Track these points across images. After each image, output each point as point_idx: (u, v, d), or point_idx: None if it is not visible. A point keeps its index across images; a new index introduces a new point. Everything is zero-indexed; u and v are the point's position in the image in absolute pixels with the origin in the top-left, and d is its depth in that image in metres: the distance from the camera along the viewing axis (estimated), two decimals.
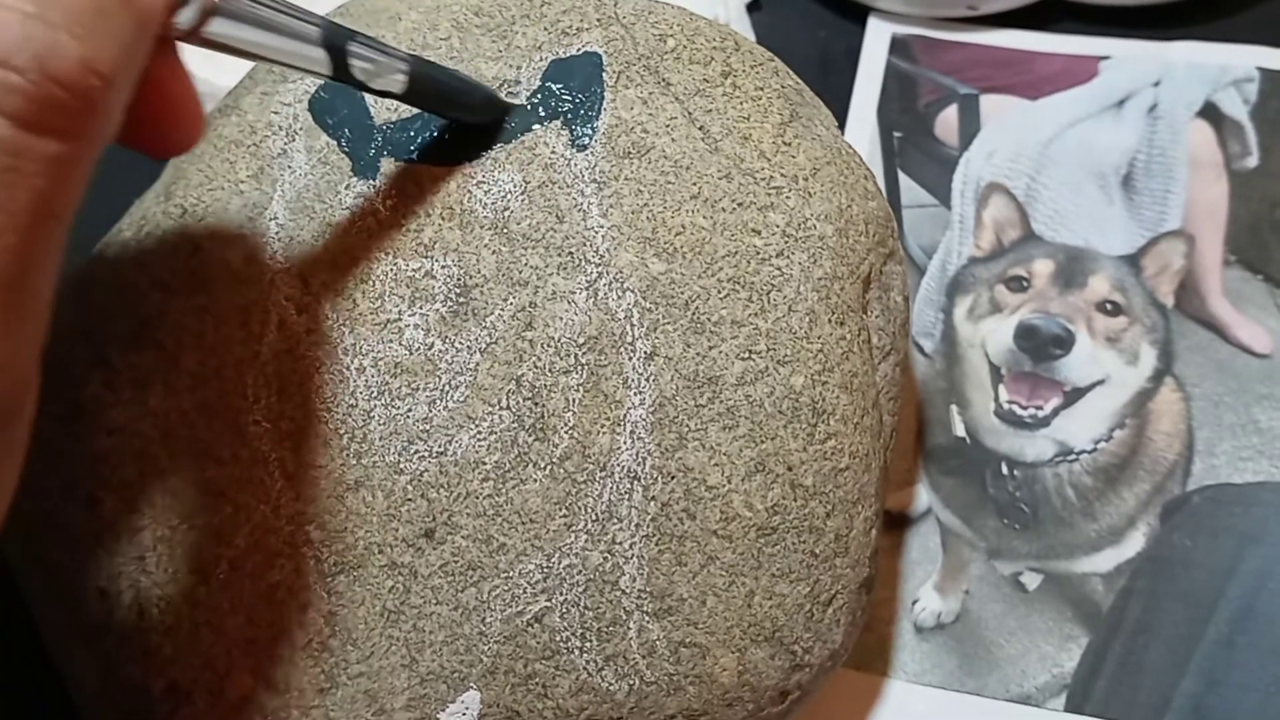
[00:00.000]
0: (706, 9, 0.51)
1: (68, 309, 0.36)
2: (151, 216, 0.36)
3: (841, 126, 0.48)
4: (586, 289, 0.34)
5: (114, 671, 0.33)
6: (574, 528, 0.33)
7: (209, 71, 0.49)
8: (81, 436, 0.34)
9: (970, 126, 0.51)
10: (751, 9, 0.53)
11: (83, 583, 0.34)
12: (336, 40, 0.30)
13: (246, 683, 0.33)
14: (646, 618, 0.32)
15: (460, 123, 0.35)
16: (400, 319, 0.34)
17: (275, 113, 0.37)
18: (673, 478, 0.33)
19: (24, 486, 0.34)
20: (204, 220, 0.35)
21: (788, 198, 0.35)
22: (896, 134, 0.51)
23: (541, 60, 0.36)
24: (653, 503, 0.33)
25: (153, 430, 0.34)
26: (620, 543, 0.32)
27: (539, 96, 0.36)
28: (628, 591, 0.32)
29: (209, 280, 0.35)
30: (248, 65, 0.40)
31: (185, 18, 0.26)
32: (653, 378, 0.33)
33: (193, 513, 0.33)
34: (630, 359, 0.33)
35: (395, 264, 0.34)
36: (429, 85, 0.33)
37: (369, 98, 0.36)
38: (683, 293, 0.34)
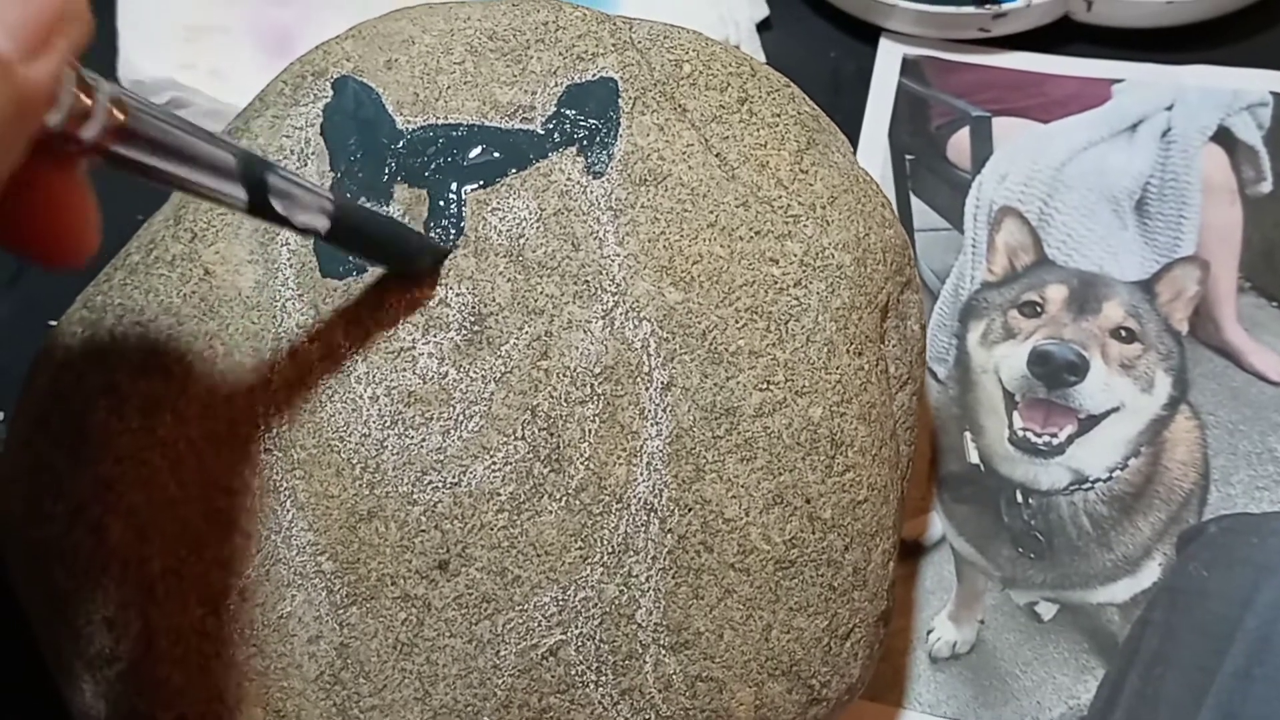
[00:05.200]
0: (717, 30, 0.51)
1: (76, 334, 0.35)
2: (160, 240, 0.36)
3: (853, 149, 0.48)
4: (603, 318, 0.33)
5: (122, 703, 0.33)
6: (590, 560, 0.32)
7: (216, 90, 0.49)
8: (89, 463, 0.34)
9: (983, 149, 0.50)
10: (762, 29, 0.53)
11: (90, 612, 0.33)
12: (255, 173, 0.28)
13: (257, 716, 0.32)
14: (663, 651, 0.32)
15: (392, 266, 0.34)
16: (414, 347, 0.33)
17: (287, 136, 0.36)
18: (690, 510, 0.32)
19: (30, 512, 0.34)
20: (214, 245, 0.35)
21: (805, 226, 0.35)
22: (908, 156, 0.51)
23: (557, 86, 0.36)
24: (669, 535, 0.32)
25: (161, 458, 0.33)
26: (636, 575, 0.32)
27: (554, 123, 0.36)
28: (644, 625, 0.32)
29: (219, 306, 0.34)
30: (256, 86, 0.39)
31: (89, 133, 0.24)
32: (670, 408, 0.33)
33: (202, 542, 0.33)
34: (647, 389, 0.33)
35: (409, 291, 0.34)
36: (355, 228, 0.31)
37: (384, 122, 0.36)
38: (700, 322, 0.33)
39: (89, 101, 0.24)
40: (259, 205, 0.28)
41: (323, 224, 0.30)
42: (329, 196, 0.31)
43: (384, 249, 0.33)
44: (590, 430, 0.33)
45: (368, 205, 0.34)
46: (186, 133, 0.26)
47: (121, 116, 0.25)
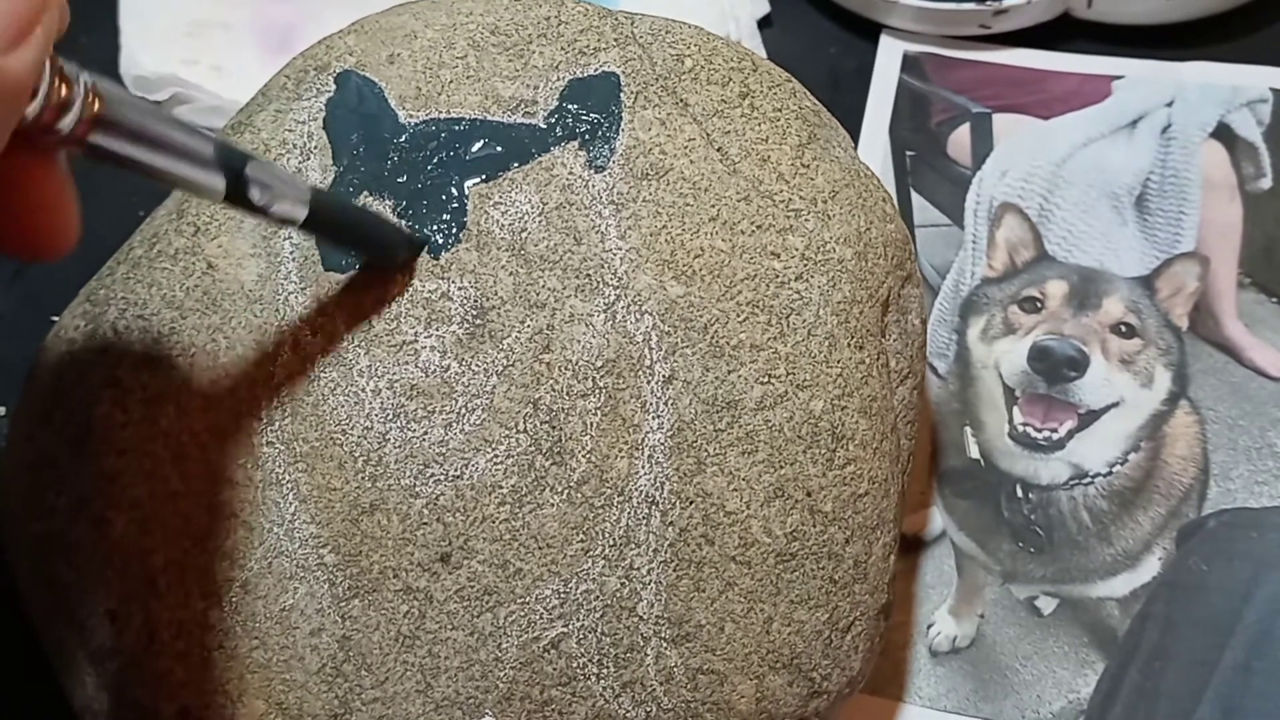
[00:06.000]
0: (718, 26, 0.51)
1: (78, 328, 0.35)
2: (163, 234, 0.36)
3: (854, 145, 0.48)
4: (604, 311, 0.33)
5: (124, 695, 0.33)
6: (591, 553, 0.32)
7: (218, 86, 0.49)
8: (92, 456, 0.34)
9: (983, 146, 0.50)
10: (762, 25, 0.53)
11: (92, 605, 0.33)
12: (234, 163, 0.28)
13: (259, 708, 0.32)
14: (664, 644, 0.32)
15: (367, 255, 0.34)
16: (416, 340, 0.34)
17: (289, 130, 0.36)
18: (691, 503, 0.32)
19: (33, 506, 0.34)
20: (217, 239, 0.35)
21: (806, 220, 0.35)
22: (909, 153, 0.51)
23: (559, 80, 0.36)
24: (671, 528, 0.32)
25: (164, 451, 0.33)
26: (638, 568, 0.32)
27: (556, 117, 0.36)
28: (645, 618, 0.32)
29: (222, 299, 0.34)
30: (258, 82, 0.39)
31: (68, 124, 0.24)
32: (671, 402, 0.33)
33: (204, 535, 0.33)
34: (649, 383, 0.33)
35: (411, 285, 0.34)
36: (331, 218, 0.32)
37: (386, 116, 0.36)
38: (701, 316, 0.33)
39: (67, 92, 0.24)
40: (236, 195, 0.29)
41: (300, 213, 0.30)
42: (305, 186, 0.31)
43: (360, 239, 0.33)
44: (592, 423, 0.33)
45: (353, 200, 0.34)
46: (164, 123, 0.26)
47: (98, 106, 0.25)
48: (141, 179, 0.27)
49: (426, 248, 0.34)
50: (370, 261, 0.34)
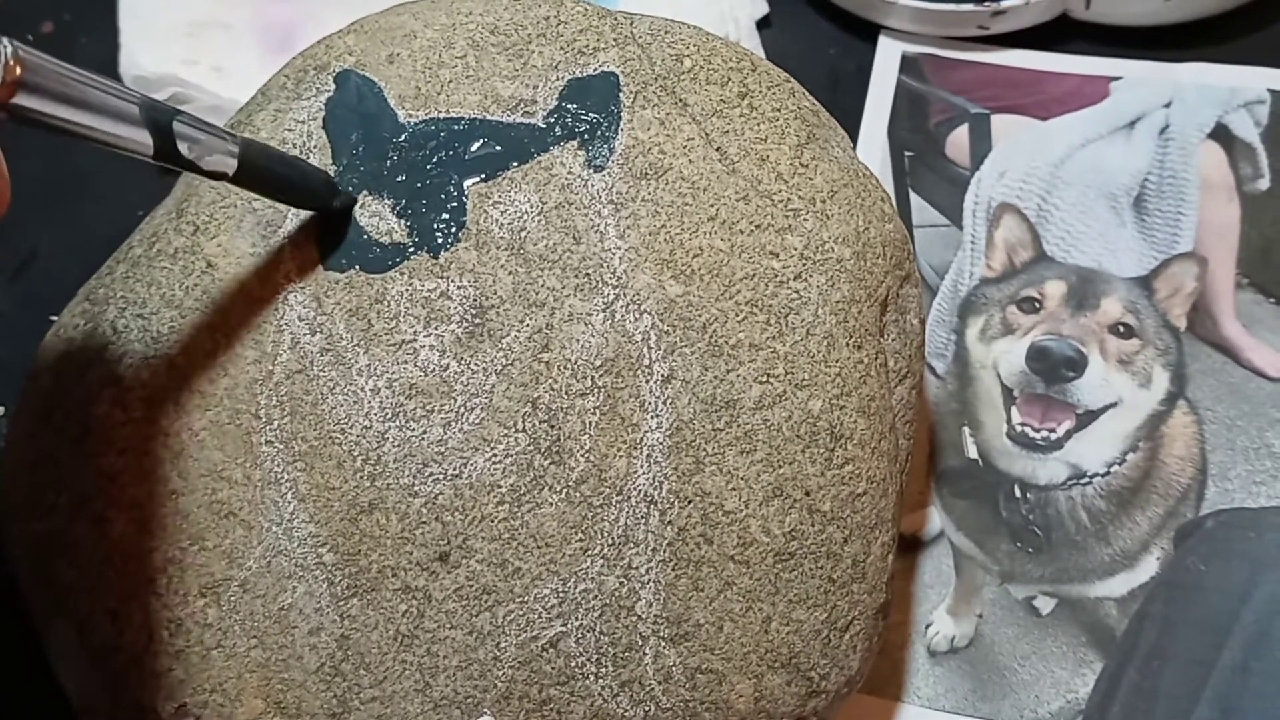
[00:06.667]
0: (717, 27, 0.51)
1: (78, 327, 0.35)
2: (163, 233, 0.36)
3: (852, 145, 0.48)
4: (603, 311, 0.33)
5: (123, 694, 0.33)
6: (590, 552, 0.32)
7: (218, 86, 0.49)
8: (92, 455, 0.34)
9: (981, 146, 0.51)
10: (761, 26, 0.53)
11: (92, 603, 0.33)
12: (160, 119, 0.29)
13: (257, 707, 0.32)
14: (662, 643, 0.32)
15: (299, 205, 0.35)
16: (415, 340, 0.34)
17: (289, 130, 0.36)
18: (690, 502, 0.32)
19: (33, 505, 0.34)
20: (216, 238, 0.35)
21: (805, 220, 0.35)
22: (908, 153, 0.51)
23: (558, 80, 0.36)
24: (669, 527, 0.32)
25: (164, 450, 0.34)
26: (636, 567, 0.32)
27: (555, 116, 0.36)
28: (644, 617, 0.32)
29: (221, 298, 0.34)
30: (258, 82, 0.39)
31: None
32: (670, 401, 0.33)
33: (204, 534, 0.33)
34: (647, 382, 0.33)
35: (411, 284, 0.34)
36: (260, 168, 0.32)
37: (386, 116, 0.36)
38: (700, 315, 0.33)
39: None
40: (166, 151, 0.29)
41: (230, 165, 0.31)
42: (233, 136, 0.31)
43: (291, 189, 0.34)
44: (591, 423, 0.33)
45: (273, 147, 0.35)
46: (87, 84, 0.27)
47: (19, 70, 0.25)
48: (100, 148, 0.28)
49: (427, 247, 0.34)
50: (303, 208, 0.35)
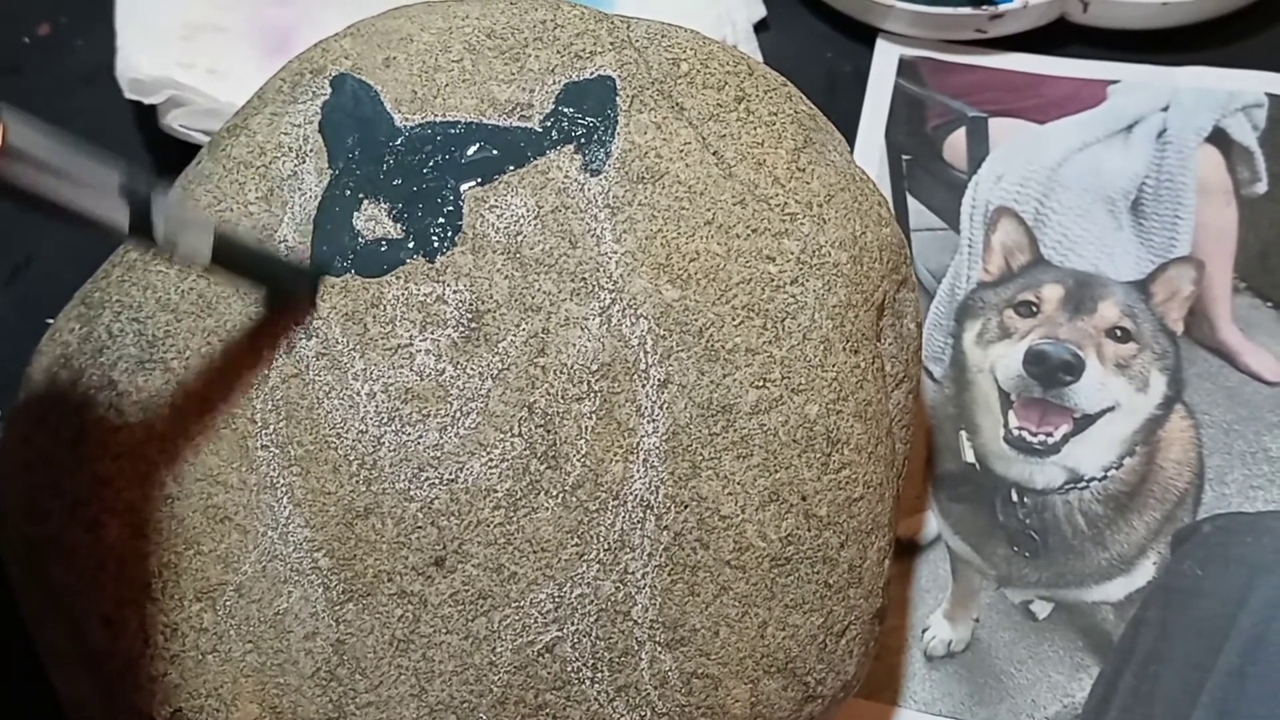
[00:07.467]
0: (714, 30, 0.51)
1: (74, 331, 0.35)
2: None
3: (850, 149, 0.48)
4: (600, 315, 0.33)
5: (118, 699, 0.33)
6: (586, 557, 0.32)
7: (215, 89, 0.49)
8: (87, 459, 0.34)
9: (979, 150, 0.50)
10: (759, 29, 0.53)
11: (87, 608, 0.33)
12: (138, 196, 0.28)
13: (253, 712, 0.32)
14: (659, 648, 0.32)
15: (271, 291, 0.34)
16: (411, 344, 0.34)
17: (285, 134, 0.36)
18: (686, 507, 0.32)
19: (28, 510, 0.34)
20: None
21: (802, 224, 0.35)
22: (905, 157, 0.51)
23: (555, 84, 0.36)
24: (665, 532, 0.32)
25: (159, 454, 0.33)
26: (633, 572, 0.32)
27: (552, 120, 0.36)
28: (640, 622, 0.32)
29: (216, 302, 0.34)
30: (254, 85, 0.39)
31: None
32: (666, 405, 0.33)
33: (199, 538, 0.33)
34: (644, 386, 0.33)
35: (406, 288, 0.34)
36: (234, 257, 0.32)
37: (382, 120, 0.36)
38: (697, 320, 0.33)
39: None
40: (140, 229, 0.29)
41: (203, 259, 0.31)
42: (211, 223, 0.31)
43: (260, 276, 0.34)
44: (587, 427, 0.33)
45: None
46: (68, 154, 0.26)
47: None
48: None
49: (423, 251, 0.34)
50: (270, 297, 0.34)
